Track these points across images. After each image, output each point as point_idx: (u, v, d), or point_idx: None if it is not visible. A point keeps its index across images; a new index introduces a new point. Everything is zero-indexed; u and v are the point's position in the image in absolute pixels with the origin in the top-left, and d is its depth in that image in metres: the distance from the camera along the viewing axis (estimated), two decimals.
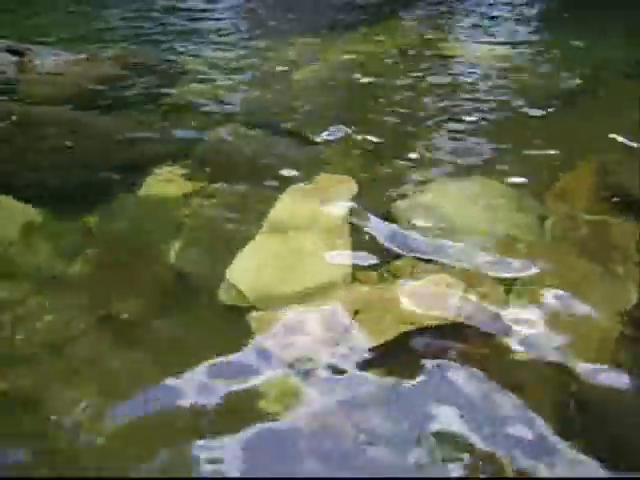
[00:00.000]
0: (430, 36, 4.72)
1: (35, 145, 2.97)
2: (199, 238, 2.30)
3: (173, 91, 3.72)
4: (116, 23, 5.33)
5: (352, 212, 2.34)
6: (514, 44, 4.52)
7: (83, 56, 4.11)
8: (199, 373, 1.63)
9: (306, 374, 1.61)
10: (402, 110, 3.32)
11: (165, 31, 5.05)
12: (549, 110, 3.28)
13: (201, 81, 3.88)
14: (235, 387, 1.59)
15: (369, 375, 1.61)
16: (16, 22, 5.61)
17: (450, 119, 3.22)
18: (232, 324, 1.83)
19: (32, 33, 4.95)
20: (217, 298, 1.93)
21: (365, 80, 3.77)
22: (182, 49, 4.55)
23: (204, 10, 5.79)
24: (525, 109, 3.31)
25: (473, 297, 1.84)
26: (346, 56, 4.23)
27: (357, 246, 2.13)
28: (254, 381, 1.61)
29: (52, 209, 2.48)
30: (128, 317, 1.88)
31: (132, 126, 3.19)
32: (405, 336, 1.72)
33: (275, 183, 2.61)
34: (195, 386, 1.59)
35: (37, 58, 3.98)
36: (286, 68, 4.04)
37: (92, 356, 1.72)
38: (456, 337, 1.71)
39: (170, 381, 1.61)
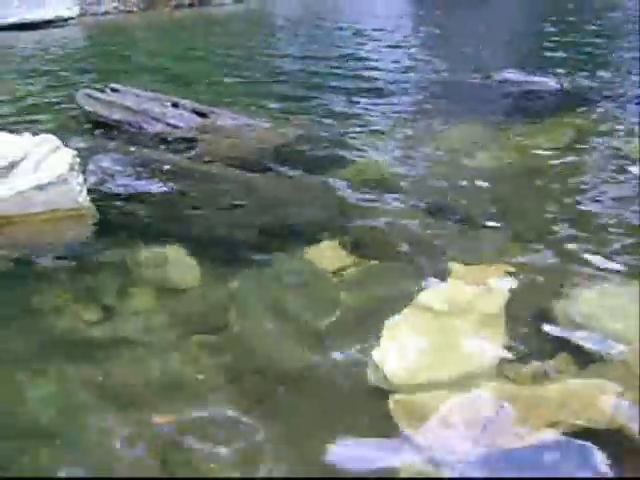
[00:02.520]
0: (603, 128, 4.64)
1: (209, 201, 3.29)
2: (350, 313, 2.37)
3: (339, 163, 3.88)
4: (296, 93, 5.74)
5: (509, 302, 2.34)
6: None
7: (260, 122, 4.49)
8: (333, 454, 1.68)
9: (443, 467, 1.64)
10: (569, 202, 3.28)
11: (339, 104, 5.34)
12: None
13: (367, 157, 4.03)
14: (367, 470, 1.65)
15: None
16: (201, 87, 6.22)
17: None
18: (373, 404, 1.87)
19: (213, 97, 5.45)
20: (363, 377, 1.97)
21: (533, 171, 3.77)
22: (353, 123, 4.77)
23: (371, 90, 6.08)
24: None
25: (630, 403, 1.79)
26: (516, 146, 4.25)
27: (510, 338, 2.14)
28: (386, 467, 1.64)
29: (217, 263, 2.72)
30: (272, 380, 1.99)
31: (298, 195, 3.39)
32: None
33: (431, 264, 2.64)
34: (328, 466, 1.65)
35: (219, 120, 4.41)
36: (454, 153, 4.12)
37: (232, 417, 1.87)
38: (605, 446, 1.68)
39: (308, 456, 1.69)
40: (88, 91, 4.70)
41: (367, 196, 3.37)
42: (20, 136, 3.27)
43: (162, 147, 4.11)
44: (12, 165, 3.00)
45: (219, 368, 2.04)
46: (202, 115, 4.45)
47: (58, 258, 2.81)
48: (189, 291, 2.53)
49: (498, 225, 3.00)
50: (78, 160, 3.14)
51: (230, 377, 1.99)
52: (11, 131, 3.61)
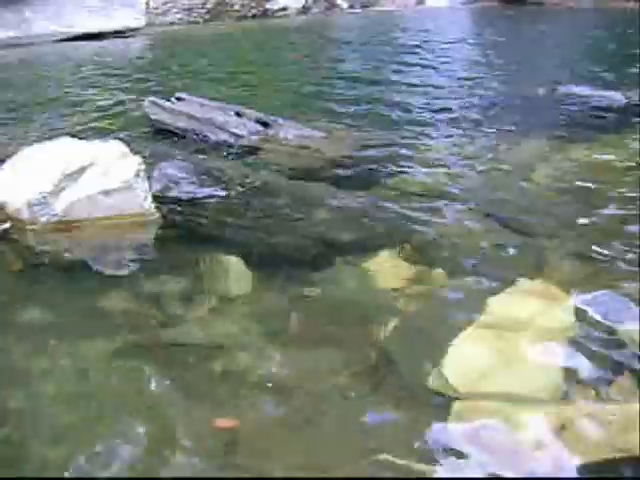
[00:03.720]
0: None
1: (269, 211, 3.36)
2: (412, 324, 2.40)
3: (400, 175, 3.90)
4: (355, 105, 5.77)
5: (572, 319, 2.32)
6: None
7: (321, 133, 4.55)
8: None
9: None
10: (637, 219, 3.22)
11: (400, 116, 5.37)
12: None
13: (429, 168, 4.04)
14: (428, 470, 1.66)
15: None
16: (263, 97, 6.33)
17: None
18: (434, 410, 1.90)
19: (275, 107, 5.54)
20: (423, 384, 1.99)
21: (601, 188, 3.71)
22: (414, 135, 4.79)
23: (433, 103, 6.07)
24: None
25: None
26: (580, 161, 4.19)
27: (576, 357, 2.11)
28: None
29: (273, 271, 2.78)
30: (328, 391, 2.02)
31: (359, 206, 3.40)
32: (611, 463, 1.69)
33: (495, 278, 2.63)
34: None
35: (281, 130, 4.49)
36: (517, 166, 4.09)
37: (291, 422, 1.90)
38: None
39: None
40: (154, 99, 4.85)
41: (427, 208, 3.38)
42: (89, 142, 3.41)
43: (225, 155, 4.20)
44: (81, 170, 3.13)
45: (271, 379, 2.07)
46: (265, 125, 4.54)
47: (122, 261, 2.91)
48: (247, 299, 2.59)
49: (562, 240, 2.98)
50: (144, 167, 3.24)
51: (282, 388, 2.02)
52: (81, 137, 3.76)
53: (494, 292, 2.49)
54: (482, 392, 1.96)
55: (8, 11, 11.12)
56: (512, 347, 2.15)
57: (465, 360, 2.11)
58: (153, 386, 2.04)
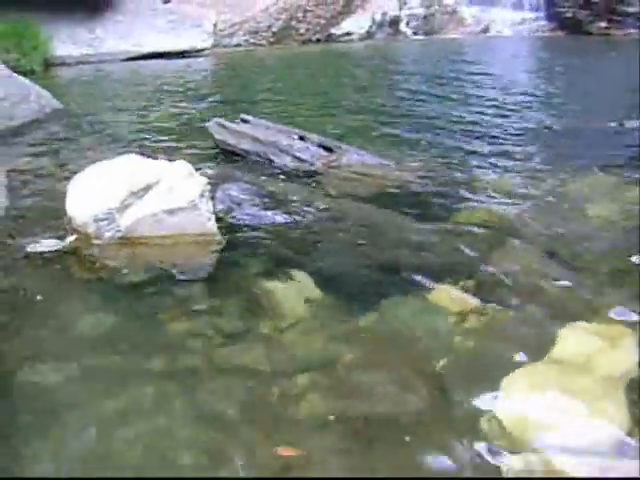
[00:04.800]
0: None
1: (331, 236, 3.35)
2: (468, 357, 2.36)
3: (463, 206, 3.86)
4: (418, 133, 5.77)
5: (633, 365, 2.24)
6: None
7: (384, 160, 4.54)
8: None
9: None
10: None
11: (463, 145, 5.33)
12: None
13: (492, 200, 3.99)
14: None
15: None
16: (326, 120, 6.36)
17: None
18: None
19: (337, 131, 5.57)
20: (476, 425, 1.96)
21: None
22: (477, 165, 4.74)
23: (497, 133, 6.02)
24: None
25: None
26: None
27: (631, 404, 2.03)
28: None
29: (336, 296, 2.78)
30: (378, 416, 2.01)
31: (421, 235, 3.39)
32: None
33: (555, 316, 2.58)
34: None
35: (344, 156, 4.50)
36: (580, 201, 4.01)
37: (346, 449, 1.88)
38: None
39: None
40: (220, 121, 4.92)
41: (489, 241, 3.35)
42: (156, 161, 3.46)
43: (288, 179, 4.23)
44: (147, 188, 3.18)
45: (329, 406, 2.06)
46: (328, 150, 4.56)
47: (183, 280, 2.94)
48: (307, 323, 2.58)
49: (624, 281, 2.90)
50: (209, 187, 3.28)
51: (338, 416, 2.00)
52: (147, 155, 3.84)
53: (553, 330, 2.44)
54: (534, 437, 1.88)
55: (81, 29, 11.54)
56: (569, 391, 2.08)
57: (521, 402, 2.04)
58: (210, 409, 2.05)
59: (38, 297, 2.71)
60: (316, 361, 2.34)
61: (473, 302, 2.73)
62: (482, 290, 2.83)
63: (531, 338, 2.44)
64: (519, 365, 2.22)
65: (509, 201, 3.95)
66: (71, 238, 3.16)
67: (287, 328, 2.55)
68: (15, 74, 6.46)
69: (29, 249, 3.11)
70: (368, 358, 2.36)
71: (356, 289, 2.89)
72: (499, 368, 2.23)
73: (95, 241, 3.15)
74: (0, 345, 2.38)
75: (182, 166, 3.32)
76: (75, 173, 3.55)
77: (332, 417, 1.99)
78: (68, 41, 11.13)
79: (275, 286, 2.82)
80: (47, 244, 3.15)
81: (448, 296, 2.79)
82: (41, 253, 3.08)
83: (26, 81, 6.45)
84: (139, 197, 3.16)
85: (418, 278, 2.94)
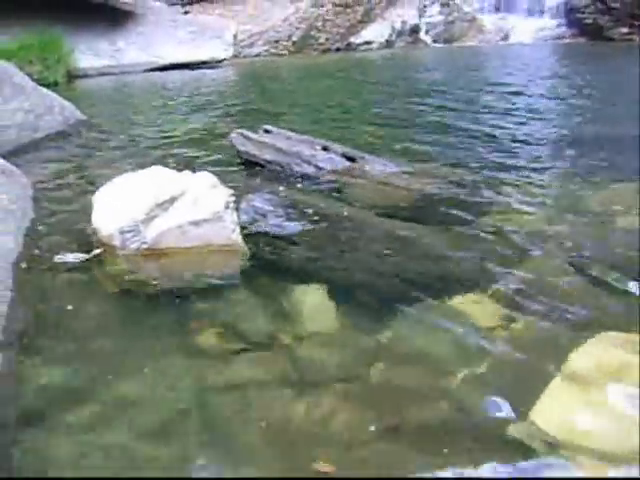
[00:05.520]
0: None
1: (354, 246, 3.35)
2: (494, 371, 2.33)
3: (487, 214, 3.84)
4: (441, 140, 5.76)
5: None
6: None
7: (407, 169, 4.53)
8: None
9: None
10: None
11: (487, 154, 5.30)
12: None
13: (518, 207, 3.97)
14: None
15: None
16: (347, 129, 6.38)
17: None
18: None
19: (359, 140, 5.57)
20: (508, 433, 1.95)
21: None
22: (502, 173, 4.72)
23: (522, 141, 5.98)
24: None
25: None
26: None
27: None
28: None
29: (360, 307, 2.78)
30: (410, 431, 2.00)
31: (446, 245, 3.38)
32: None
33: (583, 326, 2.56)
34: None
35: (367, 165, 4.50)
36: (608, 211, 3.97)
37: (379, 462, 1.87)
38: None
39: None
40: (242, 131, 4.94)
41: (515, 249, 3.32)
42: (180, 173, 3.49)
43: (311, 189, 4.24)
44: (172, 200, 3.21)
45: (360, 419, 2.05)
46: (351, 159, 4.56)
47: (207, 292, 2.95)
48: (330, 335, 2.59)
49: None
50: (233, 199, 3.30)
51: (370, 429, 1.99)
52: (170, 166, 3.87)
53: (583, 341, 2.40)
54: (575, 444, 1.88)
55: (104, 41, 11.68)
56: (599, 402, 2.06)
57: (553, 410, 2.03)
58: (237, 426, 2.06)
59: (68, 307, 2.75)
60: (342, 372, 2.33)
61: (500, 312, 2.71)
62: (509, 300, 2.81)
63: (561, 348, 2.40)
64: (550, 377, 2.19)
65: (535, 210, 3.93)
66: (97, 250, 3.19)
67: (312, 339, 2.55)
68: (39, 86, 6.54)
69: (56, 260, 3.14)
70: (395, 369, 2.36)
71: (381, 299, 2.87)
72: (530, 380, 2.22)
73: (121, 253, 3.17)
74: (31, 353, 2.41)
75: (206, 177, 3.35)
76: (99, 185, 3.59)
77: (364, 430, 1.99)
78: (90, 53, 11.28)
79: (299, 297, 2.82)
80: (74, 256, 3.18)
81: (475, 306, 2.77)
82: (68, 264, 3.12)
83: (50, 93, 6.54)
84: (164, 209, 3.18)
85: (443, 288, 2.93)
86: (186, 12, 15.07)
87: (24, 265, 3.09)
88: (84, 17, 11.44)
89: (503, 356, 2.43)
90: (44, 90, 6.49)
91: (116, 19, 12.14)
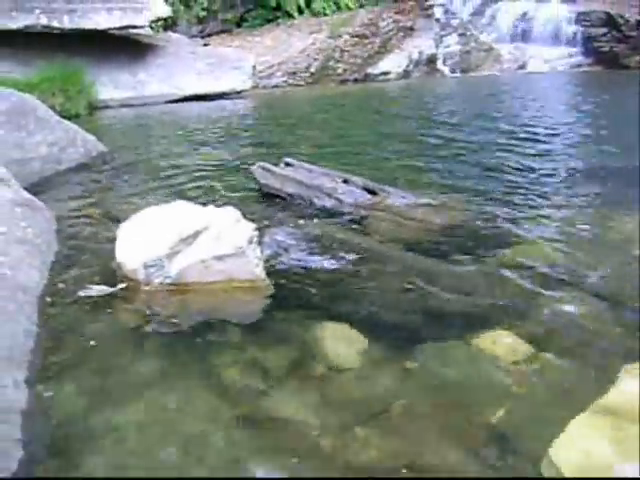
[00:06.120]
0: None
1: (377, 281, 3.35)
2: (525, 406, 2.34)
3: (512, 248, 3.81)
4: (458, 174, 5.76)
5: None
6: None
7: (429, 202, 4.54)
8: None
9: None
10: None
11: (508, 185, 5.29)
12: None
13: (541, 241, 3.94)
14: None
15: None
16: (366, 161, 6.40)
17: None
18: None
19: (378, 172, 5.58)
20: (538, 470, 1.94)
21: None
22: (524, 205, 4.70)
23: (541, 173, 5.96)
24: None
25: None
26: None
27: None
28: None
29: (384, 342, 2.78)
30: (438, 466, 1.99)
31: (468, 279, 3.38)
32: None
33: (609, 363, 2.54)
34: None
35: (388, 198, 4.51)
36: (630, 243, 3.95)
37: None
38: None
39: None
40: (263, 164, 4.98)
41: (541, 284, 3.31)
42: (203, 207, 3.52)
43: (333, 222, 4.26)
44: (196, 234, 3.23)
45: (389, 453, 2.06)
46: (372, 192, 4.58)
47: (230, 327, 2.96)
48: (353, 372, 2.58)
49: None
50: (257, 233, 3.32)
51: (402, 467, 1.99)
52: (192, 199, 3.91)
53: (610, 377, 2.38)
54: None
55: (125, 73, 11.85)
56: (631, 439, 2.02)
57: (579, 449, 1.99)
58: (257, 468, 2.06)
59: (91, 342, 2.78)
60: (367, 410, 2.34)
61: (525, 348, 2.71)
62: (534, 335, 2.80)
63: (587, 384, 2.41)
64: (575, 411, 2.16)
65: (558, 242, 3.92)
66: (121, 285, 3.21)
67: (337, 375, 2.56)
68: (62, 119, 6.64)
69: (80, 294, 3.17)
70: (420, 407, 2.35)
71: (404, 335, 2.87)
72: (555, 414, 2.21)
73: (144, 287, 3.20)
74: (57, 388, 2.43)
75: (230, 212, 3.37)
76: (122, 218, 3.63)
77: (392, 465, 1.99)
78: (111, 84, 11.43)
79: (323, 333, 2.83)
80: (97, 289, 3.21)
81: (498, 342, 2.77)
82: (92, 298, 3.14)
83: (72, 125, 6.63)
84: (188, 244, 3.21)
85: (466, 323, 2.94)
86: (205, 44, 15.29)
87: (49, 299, 3.13)
88: (105, 50, 11.63)
89: (527, 392, 2.42)
90: (67, 123, 6.59)
91: (137, 51, 12.33)
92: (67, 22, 10.93)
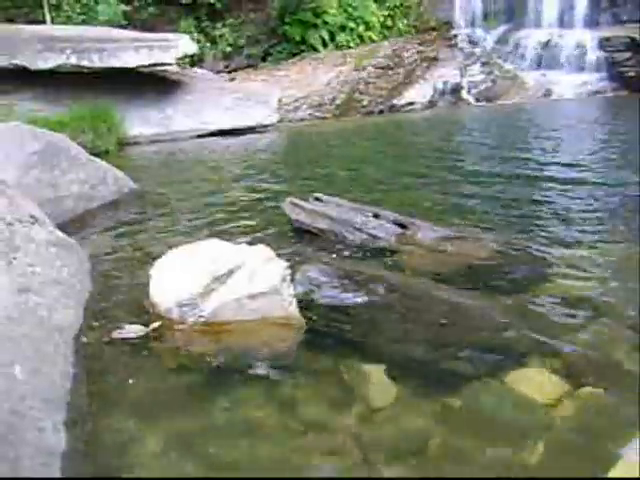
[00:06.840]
0: None
1: (411, 317, 3.34)
2: (564, 445, 2.31)
3: (542, 281, 3.80)
4: (489, 206, 5.75)
5: None
6: None
7: (459, 234, 4.53)
8: None
9: None
10: None
11: (536, 216, 5.27)
12: None
13: (572, 274, 3.90)
14: None
15: None
16: (395, 194, 6.40)
17: None
18: None
19: (408, 206, 5.59)
20: None
21: None
22: (553, 238, 4.66)
23: (577, 206, 5.92)
24: None
25: None
26: None
27: None
28: None
29: (418, 380, 2.79)
30: None
31: (500, 314, 3.34)
32: None
33: None
34: None
35: (419, 232, 4.51)
36: None
37: None
38: None
39: None
40: (293, 200, 5.02)
41: (573, 317, 3.29)
42: (236, 245, 3.55)
43: (365, 257, 4.26)
44: (229, 273, 3.26)
45: None
46: (402, 226, 4.58)
47: (264, 366, 2.97)
48: (389, 411, 2.57)
49: None
50: (289, 271, 3.34)
51: None
52: (224, 237, 3.95)
53: None
54: None
55: (153, 109, 12.08)
56: None
57: None
58: None
59: (129, 381, 2.81)
60: (405, 448, 2.33)
61: (560, 385, 2.68)
62: (568, 371, 2.77)
63: (630, 419, 2.37)
64: (614, 451, 2.16)
65: (588, 276, 3.88)
66: (155, 324, 3.24)
67: (371, 414, 2.55)
68: (92, 156, 6.76)
69: (115, 335, 3.20)
70: (458, 446, 2.33)
71: (438, 372, 2.87)
72: (600, 458, 2.18)
73: (179, 326, 3.22)
74: (96, 430, 2.46)
75: (262, 250, 3.40)
76: (154, 256, 3.67)
77: None
78: (140, 121, 11.64)
79: (358, 372, 2.83)
80: (132, 329, 3.24)
81: (533, 379, 2.74)
82: (127, 339, 3.17)
83: (103, 163, 6.75)
84: (222, 282, 3.23)
85: (501, 360, 2.91)
86: (231, 79, 15.54)
87: (85, 339, 3.16)
88: (134, 87, 11.89)
89: (563, 433, 2.40)
90: (98, 161, 6.71)
91: (164, 88, 12.58)
92: (97, 61, 11.21)
